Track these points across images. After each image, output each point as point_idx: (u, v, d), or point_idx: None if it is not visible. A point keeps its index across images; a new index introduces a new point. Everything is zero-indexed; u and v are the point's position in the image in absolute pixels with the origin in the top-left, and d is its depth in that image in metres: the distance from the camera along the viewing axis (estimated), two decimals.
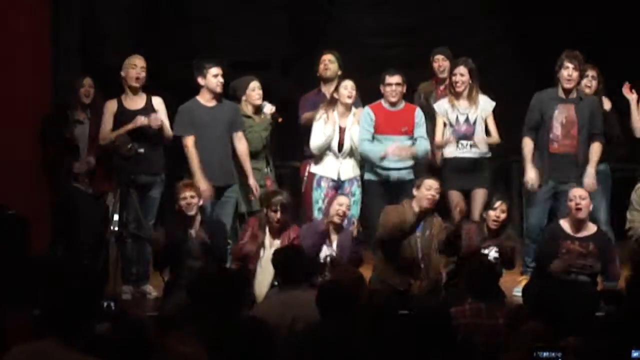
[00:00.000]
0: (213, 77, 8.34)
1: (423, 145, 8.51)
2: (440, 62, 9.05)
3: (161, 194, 8.37)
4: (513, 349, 4.87)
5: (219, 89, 8.37)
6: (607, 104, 8.49)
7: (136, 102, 8.32)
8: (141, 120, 8.14)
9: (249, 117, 8.53)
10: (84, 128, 8.26)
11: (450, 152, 8.57)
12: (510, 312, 5.74)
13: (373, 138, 8.51)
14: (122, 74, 8.26)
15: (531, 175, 8.25)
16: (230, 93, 8.61)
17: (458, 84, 8.51)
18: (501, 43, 10.26)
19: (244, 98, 8.55)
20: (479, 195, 8.49)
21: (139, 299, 8.15)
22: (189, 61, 8.55)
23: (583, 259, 7.60)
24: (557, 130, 8.27)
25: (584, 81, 8.43)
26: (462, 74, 8.49)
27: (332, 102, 8.56)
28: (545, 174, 8.31)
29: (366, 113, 8.54)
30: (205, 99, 8.40)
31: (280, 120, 8.66)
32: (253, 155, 8.52)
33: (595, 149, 8.25)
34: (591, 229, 7.75)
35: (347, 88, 8.49)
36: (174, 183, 8.02)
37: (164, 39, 10.30)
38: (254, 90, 8.54)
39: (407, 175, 8.52)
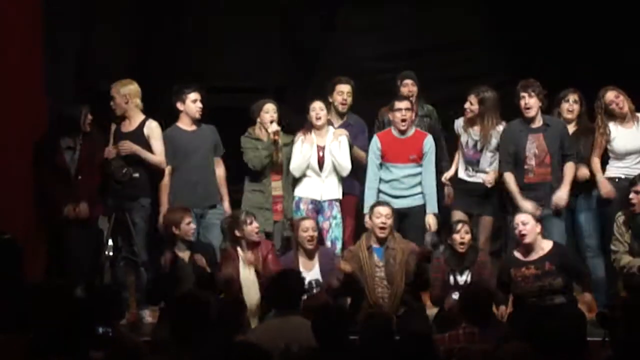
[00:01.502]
0: (192, 103, 8.40)
1: (432, 202, 8.46)
2: (410, 87, 8.93)
3: (145, 219, 8.36)
4: None
5: (197, 115, 8.43)
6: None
7: (130, 124, 8.40)
8: (107, 151, 8.26)
9: (257, 139, 8.55)
10: (74, 154, 8.26)
11: (460, 173, 8.61)
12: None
13: (381, 166, 8.52)
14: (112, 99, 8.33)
15: (528, 206, 8.19)
16: (250, 116, 8.63)
17: (467, 111, 8.52)
18: (501, 69, 10.25)
19: (258, 120, 8.58)
20: (485, 223, 8.51)
21: (135, 324, 8.13)
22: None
23: (540, 281, 7.56)
24: (531, 160, 8.24)
25: (566, 105, 8.44)
26: (471, 102, 8.48)
27: (310, 126, 8.60)
28: None
29: (373, 142, 8.55)
30: (185, 124, 8.47)
31: (277, 138, 8.63)
32: (255, 177, 8.56)
33: (568, 169, 8.22)
34: (545, 247, 7.64)
35: (315, 110, 8.52)
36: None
37: (160, 65, 10.31)
38: (267, 113, 8.56)
39: (414, 201, 8.49)
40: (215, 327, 5.60)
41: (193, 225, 7.86)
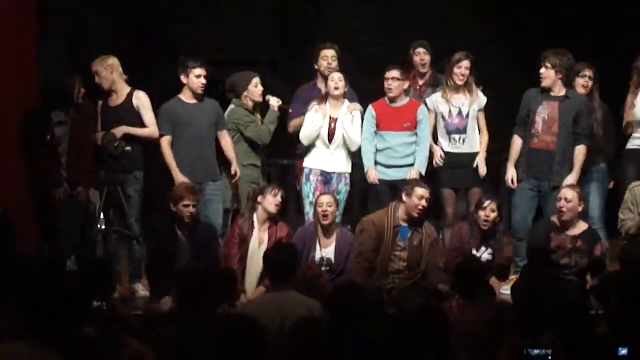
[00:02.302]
0: (196, 78, 8.36)
1: (422, 160, 8.48)
2: (422, 56, 8.99)
3: (139, 192, 8.35)
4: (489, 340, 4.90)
5: (200, 91, 8.40)
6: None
7: (118, 98, 8.36)
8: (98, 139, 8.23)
9: (251, 112, 8.52)
10: (66, 129, 8.22)
11: (444, 148, 8.60)
12: (497, 309, 5.72)
13: (376, 134, 8.52)
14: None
15: (511, 174, 8.27)
16: (227, 89, 8.60)
17: (461, 77, 8.51)
18: (492, 40, 10.23)
19: (245, 94, 8.53)
20: (475, 195, 8.50)
21: (128, 297, 8.14)
22: (176, 60, 8.53)
23: (569, 257, 7.60)
24: (538, 125, 8.28)
25: (581, 81, 8.43)
26: (466, 67, 8.50)
27: (326, 96, 8.58)
28: (526, 170, 8.32)
29: (368, 111, 8.56)
30: (187, 97, 8.43)
31: (290, 110, 8.62)
32: (255, 150, 8.53)
33: (580, 152, 8.26)
34: (582, 227, 7.74)
35: (334, 80, 8.50)
36: (152, 181, 8.12)
37: (152, 37, 10.27)
38: (257, 87, 8.53)
39: (407, 174, 8.48)
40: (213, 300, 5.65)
41: (192, 209, 7.76)
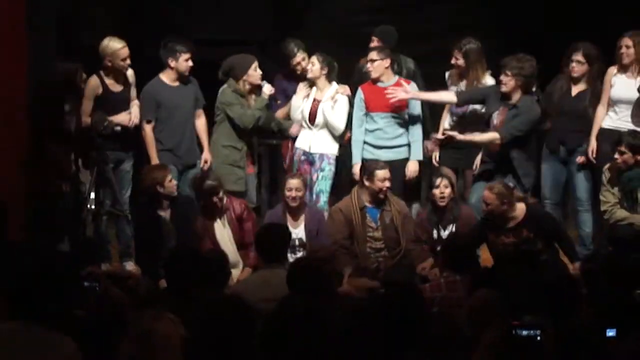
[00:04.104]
0: (185, 62, 8.36)
1: (417, 149, 8.49)
2: (375, 43, 8.81)
3: (132, 167, 8.41)
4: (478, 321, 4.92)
5: (187, 73, 8.41)
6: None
7: (120, 84, 8.36)
8: (125, 119, 8.26)
9: (242, 96, 8.49)
10: (71, 116, 8.19)
11: (445, 125, 8.61)
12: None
13: (366, 115, 8.50)
14: (108, 62, 8.23)
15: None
16: (223, 70, 8.56)
17: (455, 66, 8.51)
18: (484, 26, 10.19)
19: (244, 77, 8.48)
20: (469, 175, 8.53)
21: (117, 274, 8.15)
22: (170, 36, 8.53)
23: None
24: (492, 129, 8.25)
25: (571, 65, 8.31)
26: (456, 57, 8.48)
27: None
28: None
29: (357, 94, 8.55)
30: (170, 79, 8.43)
31: (278, 102, 8.64)
32: (237, 132, 8.49)
33: (485, 134, 8.17)
34: (519, 214, 7.60)
35: (312, 63, 8.53)
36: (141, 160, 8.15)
37: (142, 16, 10.23)
38: (256, 70, 8.49)
39: (398, 154, 8.51)
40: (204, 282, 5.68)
41: (175, 182, 7.89)
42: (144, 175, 7.94)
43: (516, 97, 8.11)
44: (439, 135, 8.43)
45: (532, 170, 8.23)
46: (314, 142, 8.59)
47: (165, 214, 7.83)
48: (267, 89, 8.53)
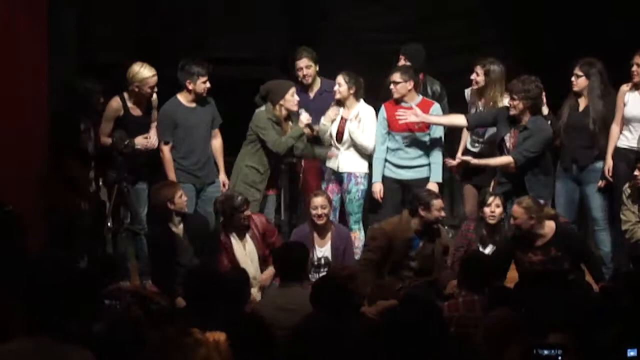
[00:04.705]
0: (202, 84, 8.36)
1: (437, 170, 8.48)
2: (402, 62, 8.79)
3: (148, 185, 8.41)
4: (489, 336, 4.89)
5: (204, 93, 8.42)
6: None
7: (139, 107, 8.39)
8: (142, 143, 8.27)
9: (277, 121, 8.47)
10: (91, 136, 8.26)
11: (467, 145, 8.63)
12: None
13: (388, 134, 8.50)
14: (135, 87, 8.24)
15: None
16: (261, 94, 8.57)
17: (473, 82, 8.51)
18: (503, 42, 10.18)
19: (281, 102, 8.46)
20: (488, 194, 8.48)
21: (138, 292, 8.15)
22: (186, 57, 8.53)
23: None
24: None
25: (572, 79, 8.33)
26: (477, 73, 8.46)
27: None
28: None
29: (380, 112, 8.54)
30: (187, 100, 8.44)
31: (315, 132, 8.64)
32: (262, 155, 8.48)
33: (498, 158, 8.20)
34: (548, 232, 7.53)
35: (339, 84, 8.49)
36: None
37: (161, 34, 10.26)
38: (293, 96, 8.47)
39: (418, 174, 8.50)
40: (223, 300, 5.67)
41: (185, 197, 7.89)
42: (154, 192, 7.96)
43: (526, 118, 8.11)
44: (454, 162, 8.41)
45: (545, 190, 8.19)
46: (342, 161, 8.59)
47: (177, 230, 7.84)
48: (305, 118, 8.48)
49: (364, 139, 8.51)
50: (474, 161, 8.16)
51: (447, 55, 9.91)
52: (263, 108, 8.53)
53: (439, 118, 8.43)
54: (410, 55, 8.78)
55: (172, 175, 8.35)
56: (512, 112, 8.08)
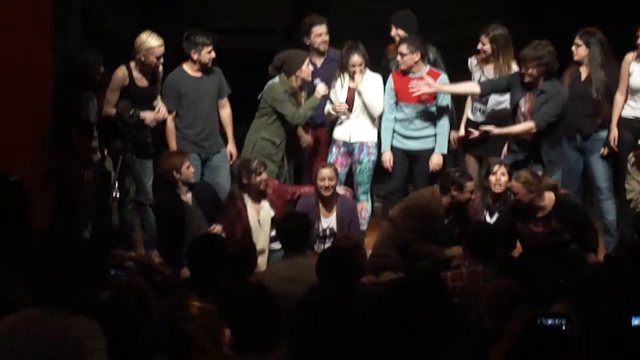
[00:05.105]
0: (207, 54, 8.34)
1: (442, 141, 8.46)
2: (395, 30, 8.77)
3: (153, 155, 8.41)
4: (493, 307, 4.90)
5: (210, 63, 8.40)
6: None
7: (145, 77, 8.35)
8: (152, 118, 8.24)
9: (293, 92, 8.45)
10: (93, 105, 8.25)
11: (469, 115, 8.62)
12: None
13: (396, 104, 8.48)
14: (141, 57, 8.20)
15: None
16: (275, 65, 8.54)
17: (481, 52, 8.48)
18: (506, 13, 10.13)
19: (297, 73, 8.43)
20: (492, 162, 8.44)
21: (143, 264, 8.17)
22: (190, 27, 8.52)
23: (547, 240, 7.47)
24: (520, 117, 8.17)
25: (573, 49, 8.33)
26: (483, 42, 8.45)
27: (344, 66, 8.52)
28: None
29: (388, 82, 8.51)
30: (192, 70, 8.42)
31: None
32: (277, 127, 8.47)
33: (519, 125, 8.13)
34: (548, 203, 7.50)
35: (355, 66, 8.41)
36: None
37: (165, 4, 10.24)
38: (308, 67, 8.45)
39: (425, 144, 8.50)
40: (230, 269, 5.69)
41: (192, 168, 7.93)
42: (162, 160, 7.96)
43: (541, 83, 8.08)
44: (476, 133, 8.31)
45: (559, 156, 8.20)
46: (354, 130, 8.55)
47: (186, 198, 7.85)
48: (322, 89, 8.43)
49: (374, 98, 8.46)
50: (496, 130, 8.11)
51: (446, 26, 9.88)
52: (277, 80, 8.49)
53: (451, 86, 8.41)
54: (402, 23, 8.74)
55: (173, 144, 8.35)
56: (527, 79, 8.05)
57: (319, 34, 8.74)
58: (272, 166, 8.37)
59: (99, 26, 9.66)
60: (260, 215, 7.87)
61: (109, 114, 8.25)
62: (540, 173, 7.75)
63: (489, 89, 8.33)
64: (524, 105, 8.12)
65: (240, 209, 7.83)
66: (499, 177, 7.86)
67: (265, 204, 7.91)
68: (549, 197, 7.53)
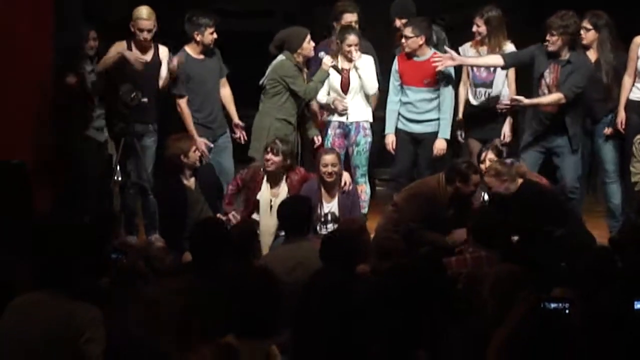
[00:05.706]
0: (209, 35, 8.32)
1: (445, 127, 8.42)
2: (398, 23, 8.72)
3: (156, 143, 8.38)
4: (498, 293, 4.89)
5: (212, 45, 8.38)
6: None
7: (144, 52, 8.31)
8: (173, 65, 8.23)
9: (299, 68, 8.42)
10: (92, 77, 8.26)
11: (470, 100, 8.58)
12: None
13: (401, 87, 8.46)
14: (136, 30, 8.19)
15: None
16: (275, 44, 8.48)
17: (475, 34, 8.45)
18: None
19: (299, 50, 8.38)
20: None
21: (144, 249, 8.17)
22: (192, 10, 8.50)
23: None
24: (545, 89, 8.14)
25: (582, 33, 8.29)
26: (477, 24, 8.42)
27: (337, 51, 8.45)
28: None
29: (393, 64, 8.49)
30: (195, 52, 8.40)
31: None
32: (291, 106, 8.39)
33: (549, 96, 8.10)
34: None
35: (351, 46, 8.32)
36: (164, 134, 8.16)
37: None
38: (309, 43, 8.40)
39: (428, 128, 8.47)
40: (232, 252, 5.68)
41: (199, 153, 7.95)
42: (169, 144, 7.89)
43: (566, 53, 8.09)
44: (507, 102, 8.27)
45: (580, 130, 8.21)
46: (350, 110, 8.49)
47: (189, 183, 7.84)
48: (328, 60, 8.37)
49: (368, 76, 8.40)
50: (526, 101, 8.09)
51: (454, 9, 9.84)
52: (282, 57, 8.44)
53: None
54: (401, 12, 8.72)
55: (191, 127, 8.30)
56: (551, 47, 8.04)
57: (350, 22, 8.67)
58: (288, 147, 8.14)
59: (101, 15, 9.62)
60: (274, 202, 7.81)
61: (103, 63, 8.21)
62: (508, 161, 7.64)
63: (512, 61, 8.31)
64: (548, 76, 8.11)
65: (255, 189, 7.83)
66: (487, 163, 7.74)
67: (283, 190, 7.88)
68: (518, 184, 7.42)
